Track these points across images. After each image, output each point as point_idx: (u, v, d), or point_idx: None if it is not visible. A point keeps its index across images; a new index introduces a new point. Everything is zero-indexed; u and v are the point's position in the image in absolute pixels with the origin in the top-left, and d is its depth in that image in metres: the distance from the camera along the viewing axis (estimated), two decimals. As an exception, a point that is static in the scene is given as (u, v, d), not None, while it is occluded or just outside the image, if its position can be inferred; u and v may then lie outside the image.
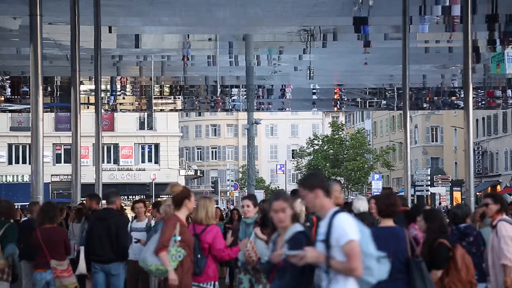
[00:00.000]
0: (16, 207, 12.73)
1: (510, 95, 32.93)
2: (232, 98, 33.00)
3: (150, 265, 8.26)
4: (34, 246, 10.34)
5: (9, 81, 29.52)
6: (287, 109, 39.24)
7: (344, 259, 5.38)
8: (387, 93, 32.83)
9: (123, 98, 33.20)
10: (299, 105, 37.39)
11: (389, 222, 7.39)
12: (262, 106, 35.78)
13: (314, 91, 32.19)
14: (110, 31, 21.19)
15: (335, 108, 36.29)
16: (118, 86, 31.49)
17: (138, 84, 31.49)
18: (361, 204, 9.51)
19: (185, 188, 8.65)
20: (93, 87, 20.79)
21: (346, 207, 12.63)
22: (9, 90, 29.93)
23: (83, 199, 17.99)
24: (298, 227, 5.92)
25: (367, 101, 34.23)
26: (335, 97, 33.34)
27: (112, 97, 32.56)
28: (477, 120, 61.48)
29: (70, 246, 10.70)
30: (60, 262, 10.29)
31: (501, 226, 8.42)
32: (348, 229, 5.39)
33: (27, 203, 14.02)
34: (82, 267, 11.77)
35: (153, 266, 8.26)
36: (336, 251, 5.40)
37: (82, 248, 11.94)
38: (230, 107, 35.55)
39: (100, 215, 11.46)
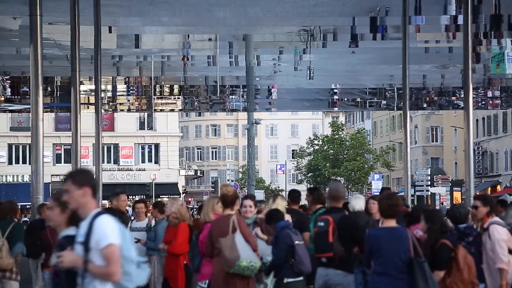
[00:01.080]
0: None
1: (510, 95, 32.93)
2: (232, 98, 33.00)
3: (257, 263, 8.33)
4: (42, 245, 10.43)
5: (9, 81, 29.51)
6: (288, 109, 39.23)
7: (102, 262, 5.18)
8: (387, 93, 32.82)
9: (137, 98, 33.14)
10: (300, 105, 37.39)
11: (391, 223, 7.40)
12: (272, 106, 35.84)
13: (336, 91, 32.09)
14: (110, 31, 21.19)
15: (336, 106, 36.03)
16: (119, 86, 31.51)
17: (138, 84, 31.48)
18: (357, 203, 9.49)
19: (234, 189, 8.94)
20: (93, 87, 20.79)
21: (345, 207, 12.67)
22: (9, 90, 29.92)
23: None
24: (69, 231, 5.65)
25: (367, 101, 34.21)
26: (335, 96, 33.35)
27: (128, 97, 32.52)
28: (477, 120, 61.47)
29: None
30: None
31: (493, 229, 8.36)
32: (109, 232, 5.20)
33: (27, 203, 14.09)
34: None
35: (259, 263, 8.40)
36: (95, 254, 5.20)
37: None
38: (230, 107, 35.55)
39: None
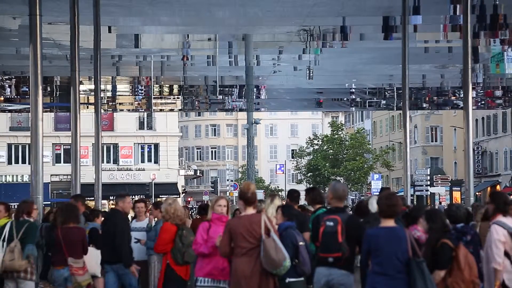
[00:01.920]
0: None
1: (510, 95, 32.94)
2: (232, 98, 33.00)
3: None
4: (55, 244, 10.55)
5: (9, 81, 29.50)
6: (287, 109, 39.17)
7: None
8: (386, 93, 32.83)
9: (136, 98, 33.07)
10: (298, 104, 37.43)
11: (390, 222, 7.40)
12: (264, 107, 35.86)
13: (353, 90, 32.03)
14: (109, 31, 21.20)
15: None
16: (119, 86, 31.52)
17: (137, 84, 31.50)
18: None
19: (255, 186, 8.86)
20: (92, 87, 20.79)
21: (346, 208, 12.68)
22: (9, 90, 29.91)
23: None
24: None
25: (367, 101, 34.23)
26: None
27: (137, 97, 32.48)
28: (476, 120, 61.47)
29: (87, 246, 10.88)
30: (76, 260, 10.51)
31: (493, 229, 8.37)
32: None
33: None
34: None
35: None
36: None
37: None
38: (230, 107, 35.57)
39: (106, 216, 11.67)
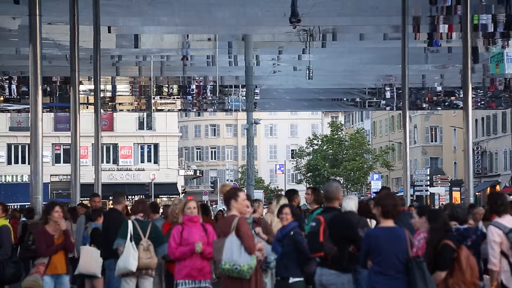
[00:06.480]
0: (16, 207, 12.77)
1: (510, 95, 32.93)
2: (231, 98, 33.00)
3: (243, 265, 8.17)
4: None
5: (9, 81, 29.51)
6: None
7: None
8: (386, 93, 32.85)
9: (136, 98, 32.94)
10: (299, 105, 37.46)
11: (389, 223, 7.40)
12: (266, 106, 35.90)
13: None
14: (109, 31, 21.22)
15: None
16: (118, 86, 31.52)
17: (137, 84, 31.51)
18: (348, 204, 9.40)
19: (228, 187, 8.82)
20: (92, 87, 20.80)
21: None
22: (8, 90, 29.91)
23: (82, 199, 18.06)
24: None
25: (367, 101, 34.24)
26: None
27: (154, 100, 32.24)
28: (476, 120, 61.44)
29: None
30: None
31: (489, 230, 8.40)
32: None
33: (26, 203, 14.08)
34: (82, 267, 11.74)
35: (246, 266, 8.20)
36: None
37: (83, 248, 11.90)
38: (230, 107, 35.56)
39: (114, 215, 11.65)
